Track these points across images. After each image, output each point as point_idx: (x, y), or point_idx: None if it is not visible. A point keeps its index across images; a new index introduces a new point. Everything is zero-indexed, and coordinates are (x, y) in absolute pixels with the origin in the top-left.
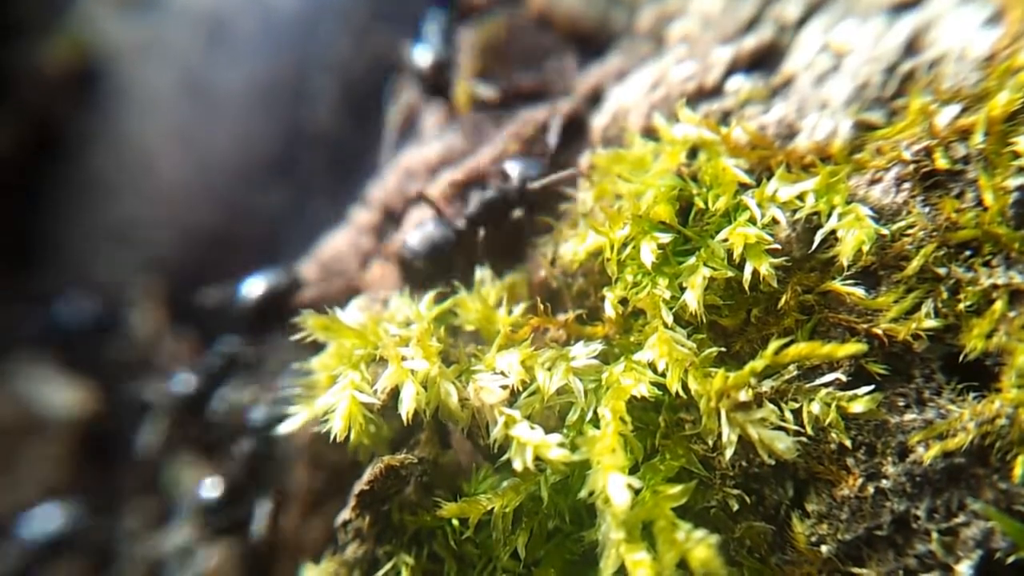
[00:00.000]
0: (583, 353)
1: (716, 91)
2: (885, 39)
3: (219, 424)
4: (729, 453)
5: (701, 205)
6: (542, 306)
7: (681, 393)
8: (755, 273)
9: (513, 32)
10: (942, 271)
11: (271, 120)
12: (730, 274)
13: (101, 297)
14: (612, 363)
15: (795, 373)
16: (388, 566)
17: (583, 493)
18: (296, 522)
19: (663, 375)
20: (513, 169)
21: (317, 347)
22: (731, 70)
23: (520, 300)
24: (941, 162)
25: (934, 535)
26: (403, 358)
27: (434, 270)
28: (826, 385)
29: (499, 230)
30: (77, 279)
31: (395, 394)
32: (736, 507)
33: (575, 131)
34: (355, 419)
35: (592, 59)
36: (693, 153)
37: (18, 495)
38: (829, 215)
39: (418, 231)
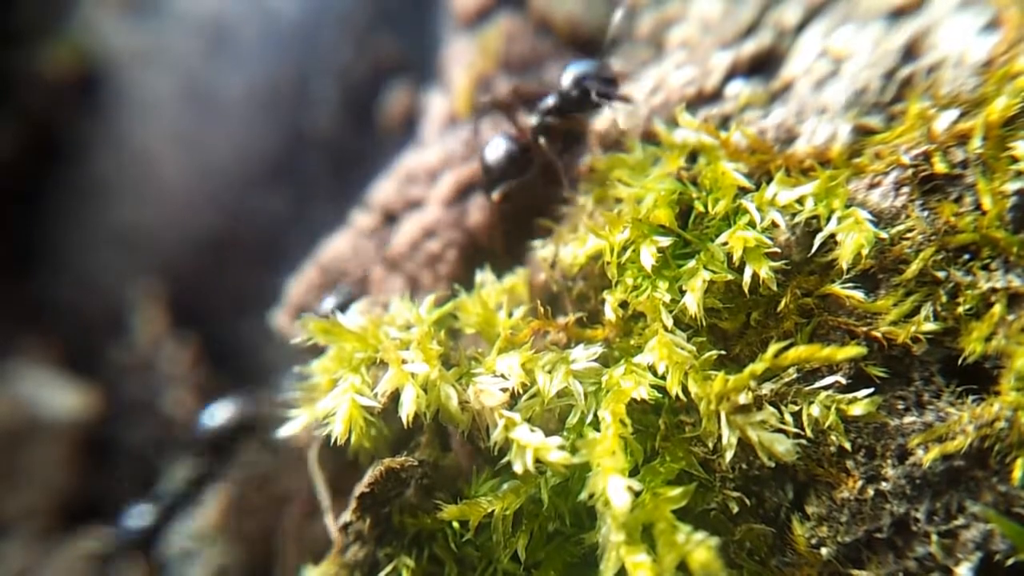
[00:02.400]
0: (583, 356)
1: (715, 96)
2: (884, 44)
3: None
4: (729, 456)
5: (701, 209)
6: (542, 309)
7: (681, 396)
8: (755, 276)
9: (512, 37)
10: (941, 275)
11: (272, 125)
12: (730, 277)
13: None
14: (612, 366)
15: (795, 376)
16: (389, 568)
17: (583, 495)
18: (298, 523)
19: (663, 378)
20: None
21: (317, 350)
22: (730, 75)
23: (520, 303)
24: (940, 166)
25: (934, 537)
26: (403, 361)
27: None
28: (826, 388)
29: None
30: (78, 283)
31: (395, 397)
32: (736, 509)
33: (575, 135)
34: (356, 422)
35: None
36: (693, 157)
37: (18, 498)
38: (828, 219)
39: (493, 148)
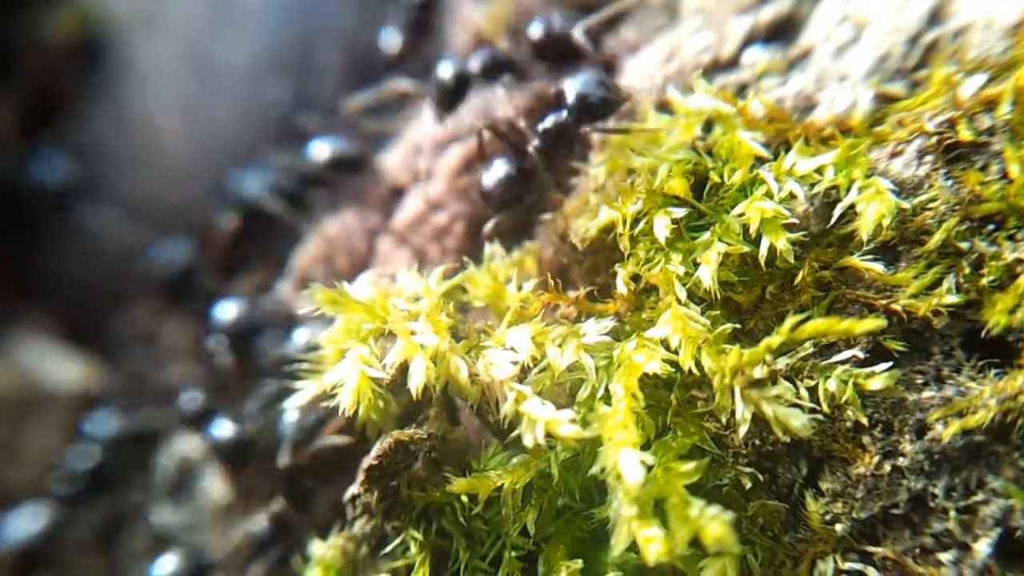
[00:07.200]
0: (594, 330)
1: (732, 63)
2: (907, 9)
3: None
4: (743, 431)
5: (716, 179)
6: (552, 282)
7: (694, 370)
8: (771, 248)
9: (520, 4)
10: (964, 245)
11: (275, 93)
12: (745, 249)
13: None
14: (624, 340)
15: (811, 350)
16: (396, 541)
17: (594, 469)
18: None
19: (676, 352)
20: (571, 88)
21: (324, 321)
22: (748, 42)
23: (530, 277)
24: (965, 134)
25: (952, 513)
26: (412, 333)
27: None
28: (843, 362)
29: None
30: (79, 252)
31: (404, 369)
32: (749, 485)
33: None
34: (364, 394)
35: (604, 31)
36: (708, 126)
37: (20, 468)
38: (848, 189)
39: (491, 171)
